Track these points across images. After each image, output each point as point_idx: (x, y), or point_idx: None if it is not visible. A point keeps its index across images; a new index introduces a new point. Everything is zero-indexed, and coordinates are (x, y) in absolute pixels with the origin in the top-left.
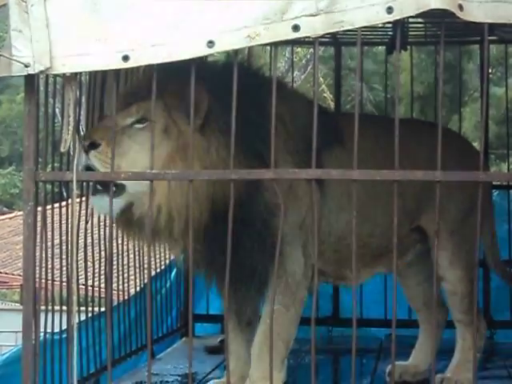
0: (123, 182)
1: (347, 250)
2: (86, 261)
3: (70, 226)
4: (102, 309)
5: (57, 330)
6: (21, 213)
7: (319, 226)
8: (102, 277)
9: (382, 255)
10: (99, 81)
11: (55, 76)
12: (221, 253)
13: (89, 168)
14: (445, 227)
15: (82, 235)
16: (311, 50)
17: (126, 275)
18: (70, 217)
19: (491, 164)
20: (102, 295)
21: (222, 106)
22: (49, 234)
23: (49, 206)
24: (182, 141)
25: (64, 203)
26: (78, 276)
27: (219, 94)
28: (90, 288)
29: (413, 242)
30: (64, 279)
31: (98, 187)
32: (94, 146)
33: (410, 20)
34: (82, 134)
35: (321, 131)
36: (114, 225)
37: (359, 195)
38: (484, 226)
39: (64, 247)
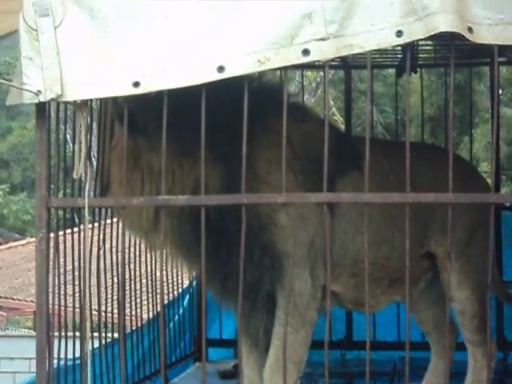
0: None
1: (364, 273)
2: (98, 286)
3: (82, 251)
4: (116, 335)
5: (70, 356)
6: (33, 239)
7: (331, 249)
8: (115, 302)
9: (399, 281)
10: (110, 107)
11: (66, 103)
12: (216, 265)
13: None
14: (452, 248)
15: (94, 261)
16: (321, 73)
17: (138, 300)
18: (82, 243)
19: (502, 185)
20: (115, 321)
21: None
22: (61, 260)
23: (61, 233)
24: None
25: (76, 229)
26: (90, 302)
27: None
28: (103, 314)
29: (424, 270)
30: (77, 305)
31: None
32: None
33: (420, 42)
34: (93, 160)
35: (336, 155)
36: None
37: (376, 217)
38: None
39: (76, 273)
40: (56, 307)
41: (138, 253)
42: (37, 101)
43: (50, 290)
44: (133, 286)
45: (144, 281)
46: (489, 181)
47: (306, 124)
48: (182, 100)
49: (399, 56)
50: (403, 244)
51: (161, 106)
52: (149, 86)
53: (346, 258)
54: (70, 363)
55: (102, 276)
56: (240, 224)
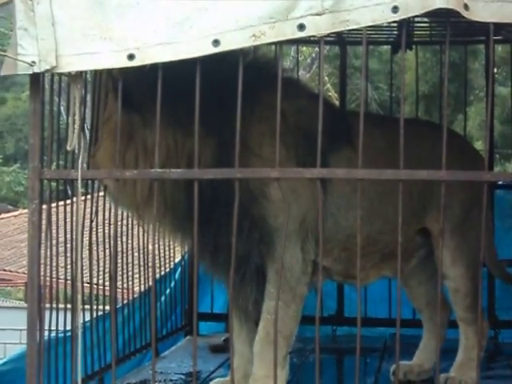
0: None
1: (356, 247)
2: (90, 259)
3: (74, 224)
4: (107, 308)
5: (61, 328)
6: (26, 211)
7: (323, 225)
8: (107, 275)
9: (390, 256)
10: (104, 79)
11: (60, 74)
12: (207, 238)
13: None
14: (447, 226)
15: (86, 233)
16: (316, 48)
17: (130, 273)
18: (74, 215)
19: (496, 163)
20: (107, 294)
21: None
22: (53, 232)
23: (54, 204)
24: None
25: (69, 201)
26: (82, 274)
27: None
28: (94, 286)
29: (417, 247)
30: (69, 277)
31: None
32: None
33: (416, 19)
34: (87, 132)
35: (329, 131)
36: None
37: (370, 192)
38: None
39: (69, 245)
40: (48, 279)
41: (130, 226)
42: (31, 72)
43: (42, 261)
44: (125, 258)
45: (136, 254)
46: None
47: (299, 98)
48: (175, 75)
49: (395, 33)
50: (396, 218)
51: (155, 82)
52: (143, 59)
53: (339, 233)
54: (60, 335)
55: (94, 248)
56: (230, 197)
